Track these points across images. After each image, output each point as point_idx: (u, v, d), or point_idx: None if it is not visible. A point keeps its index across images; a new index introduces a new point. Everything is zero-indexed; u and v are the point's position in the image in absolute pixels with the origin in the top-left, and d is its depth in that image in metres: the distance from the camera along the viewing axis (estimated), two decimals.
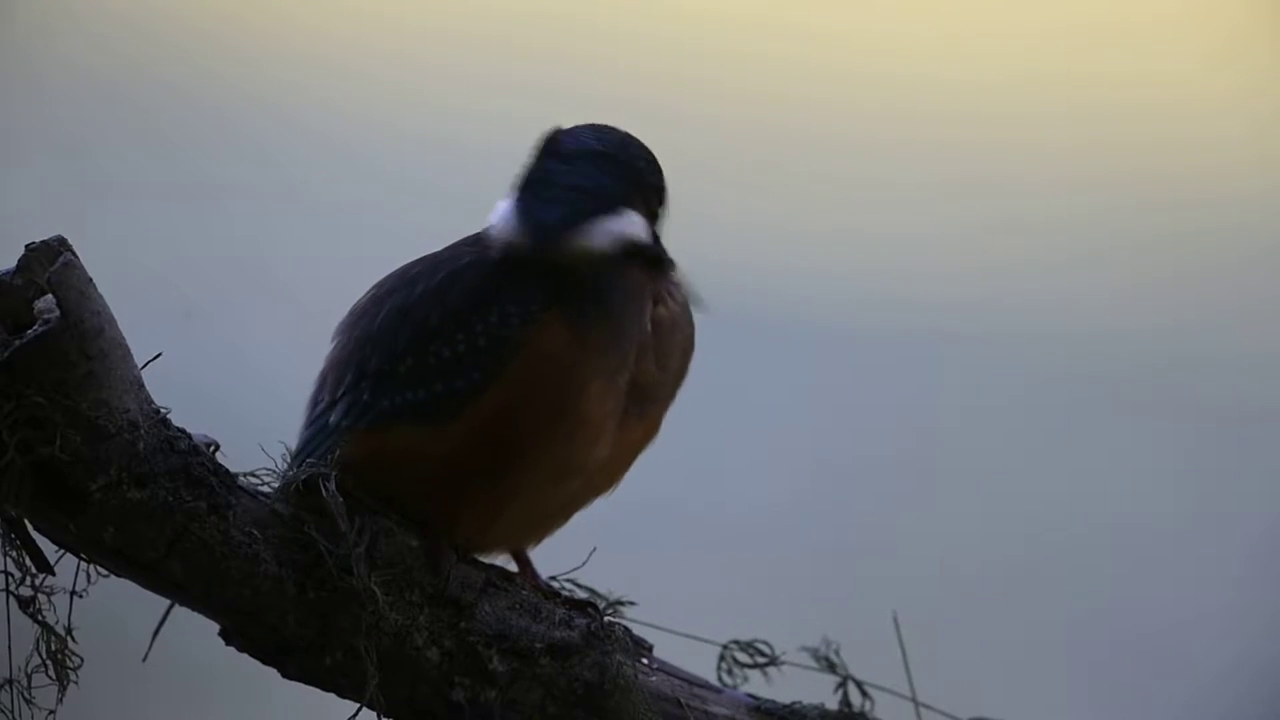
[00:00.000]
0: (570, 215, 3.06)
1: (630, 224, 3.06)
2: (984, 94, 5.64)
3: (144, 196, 5.46)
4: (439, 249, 3.14)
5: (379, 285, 3.13)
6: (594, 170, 3.07)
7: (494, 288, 3.04)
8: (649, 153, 3.10)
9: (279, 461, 3.07)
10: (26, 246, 2.91)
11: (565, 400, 2.99)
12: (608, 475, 3.09)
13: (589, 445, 3.03)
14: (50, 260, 2.90)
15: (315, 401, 3.13)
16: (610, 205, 3.05)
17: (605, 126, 3.10)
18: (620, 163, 3.08)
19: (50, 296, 2.89)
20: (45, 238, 2.92)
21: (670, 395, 3.11)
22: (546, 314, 3.02)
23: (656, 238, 3.09)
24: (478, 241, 3.11)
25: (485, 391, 3.01)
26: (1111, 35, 5.67)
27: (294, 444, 3.13)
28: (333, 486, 3.01)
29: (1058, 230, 5.64)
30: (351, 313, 3.14)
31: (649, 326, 3.07)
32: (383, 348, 3.07)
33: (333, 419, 3.08)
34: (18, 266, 2.90)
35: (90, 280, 2.91)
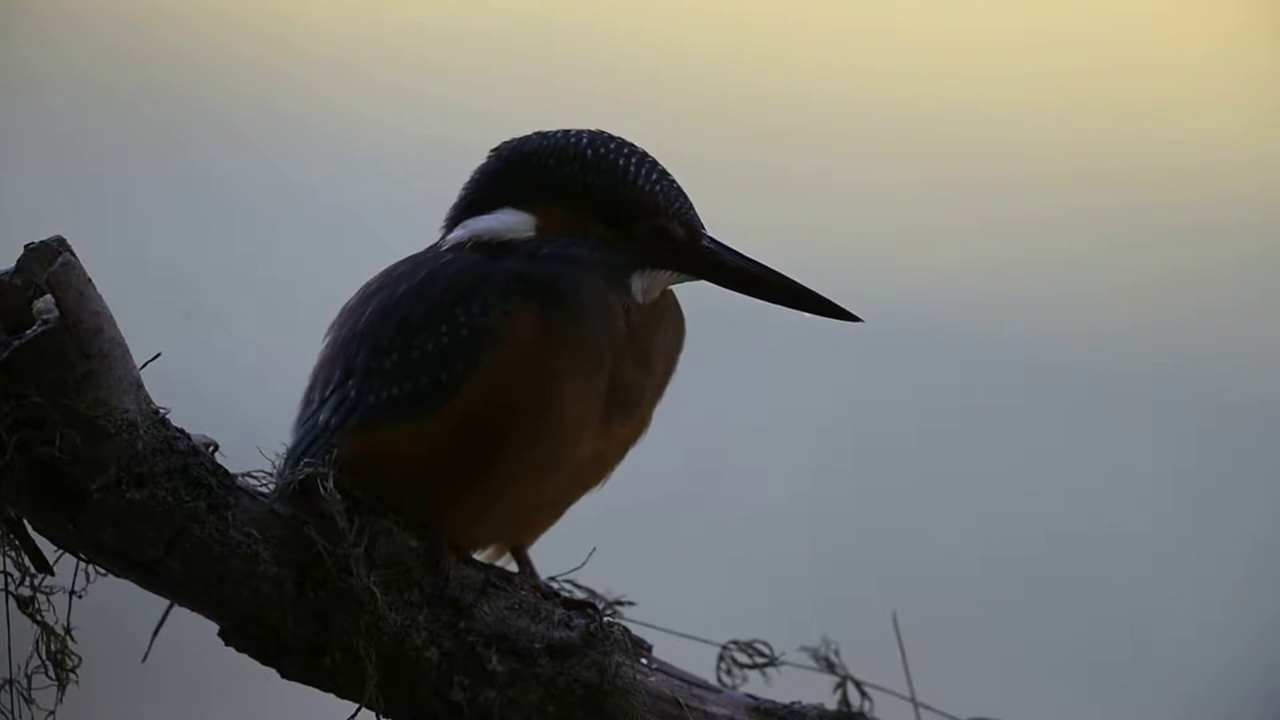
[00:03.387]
0: (453, 215, 3.19)
1: (488, 221, 3.13)
2: (981, 92, 5.64)
3: (144, 196, 5.46)
4: (424, 249, 3.19)
5: (366, 285, 3.18)
6: (477, 173, 3.18)
7: (475, 281, 3.09)
8: (564, 150, 3.13)
9: (277, 462, 3.08)
10: (25, 246, 2.91)
11: (540, 397, 3.03)
12: (597, 472, 3.12)
13: (569, 444, 3.05)
14: (49, 260, 2.90)
15: (307, 401, 3.16)
16: (480, 205, 3.15)
17: (547, 131, 3.16)
18: (505, 161, 3.16)
19: (49, 297, 2.89)
20: (44, 238, 2.92)
21: (656, 395, 3.14)
22: (521, 307, 3.05)
23: (538, 234, 3.12)
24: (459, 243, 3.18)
25: (464, 383, 3.04)
26: (1111, 33, 5.67)
27: (289, 444, 3.15)
28: (330, 485, 3.01)
29: (1057, 229, 5.64)
30: (340, 313, 3.18)
31: (623, 329, 3.09)
32: (368, 345, 3.11)
33: (322, 417, 3.12)
34: (16, 267, 2.90)
35: (89, 280, 2.91)
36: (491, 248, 3.13)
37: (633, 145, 3.15)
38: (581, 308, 3.07)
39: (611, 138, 3.15)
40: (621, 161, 3.13)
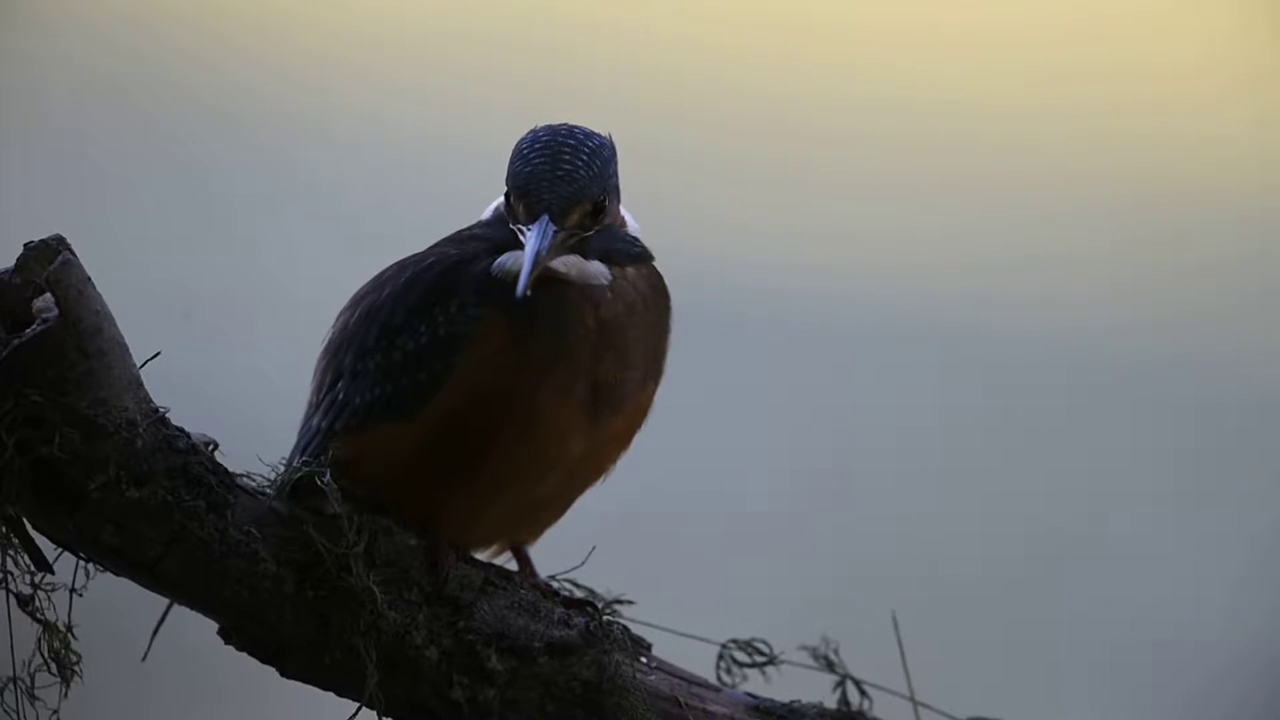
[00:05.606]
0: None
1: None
2: (978, 88, 5.64)
3: (144, 195, 5.46)
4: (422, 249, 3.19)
5: (358, 292, 3.20)
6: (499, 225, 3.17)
7: (452, 284, 3.10)
8: (522, 144, 3.12)
9: (278, 461, 3.09)
10: (25, 245, 2.92)
11: (514, 404, 3.04)
12: (595, 467, 3.13)
13: (552, 449, 3.06)
14: (49, 259, 2.90)
15: (306, 406, 3.18)
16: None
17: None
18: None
19: (49, 295, 2.89)
20: (44, 236, 2.92)
21: (642, 387, 3.13)
22: (491, 314, 3.06)
23: (495, 216, 3.14)
24: (460, 240, 3.16)
25: (443, 385, 3.06)
26: (1110, 30, 5.67)
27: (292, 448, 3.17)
28: (328, 477, 3.02)
29: (1054, 224, 5.64)
30: (335, 320, 3.19)
31: (594, 329, 3.08)
32: (354, 348, 3.13)
33: (315, 421, 3.14)
34: (16, 265, 2.91)
35: (88, 279, 2.91)
36: (473, 235, 3.15)
37: (555, 133, 3.12)
38: (545, 319, 3.07)
39: (552, 127, 3.13)
40: (523, 147, 3.12)
